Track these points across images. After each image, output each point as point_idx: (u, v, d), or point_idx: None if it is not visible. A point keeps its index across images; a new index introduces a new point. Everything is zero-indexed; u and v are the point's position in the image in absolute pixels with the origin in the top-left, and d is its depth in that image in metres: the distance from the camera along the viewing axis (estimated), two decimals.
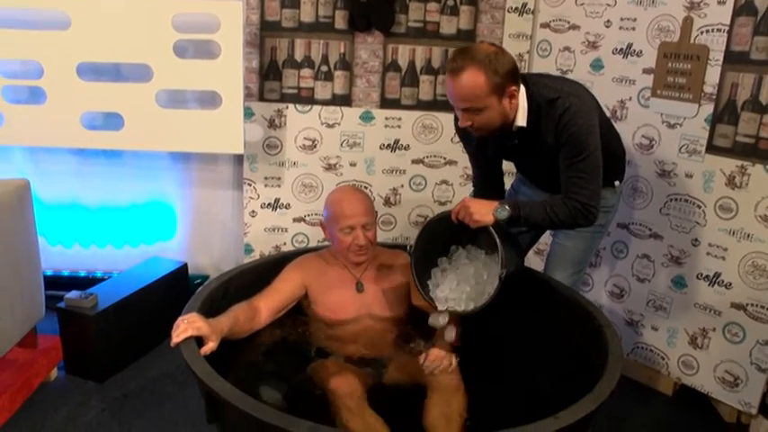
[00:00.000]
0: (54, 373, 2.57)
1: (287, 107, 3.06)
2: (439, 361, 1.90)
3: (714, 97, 2.35)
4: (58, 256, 3.27)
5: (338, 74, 3.04)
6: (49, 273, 3.14)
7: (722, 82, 2.32)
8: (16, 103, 2.79)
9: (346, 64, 3.03)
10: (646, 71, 2.55)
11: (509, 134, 2.04)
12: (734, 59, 2.28)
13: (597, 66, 2.73)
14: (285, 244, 3.24)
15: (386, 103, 3.09)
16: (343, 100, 3.08)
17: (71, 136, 2.79)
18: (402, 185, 3.21)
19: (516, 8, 2.99)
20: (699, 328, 2.52)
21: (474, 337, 2.06)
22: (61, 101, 2.72)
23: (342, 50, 3.01)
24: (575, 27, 2.80)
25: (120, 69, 2.89)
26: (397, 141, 3.14)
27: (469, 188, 3.16)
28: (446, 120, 3.07)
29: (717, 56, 2.32)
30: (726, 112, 2.33)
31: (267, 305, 2.10)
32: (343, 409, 1.73)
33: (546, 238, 2.57)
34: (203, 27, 2.70)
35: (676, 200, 2.52)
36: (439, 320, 1.95)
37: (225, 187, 3.28)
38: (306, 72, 3.03)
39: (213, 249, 3.36)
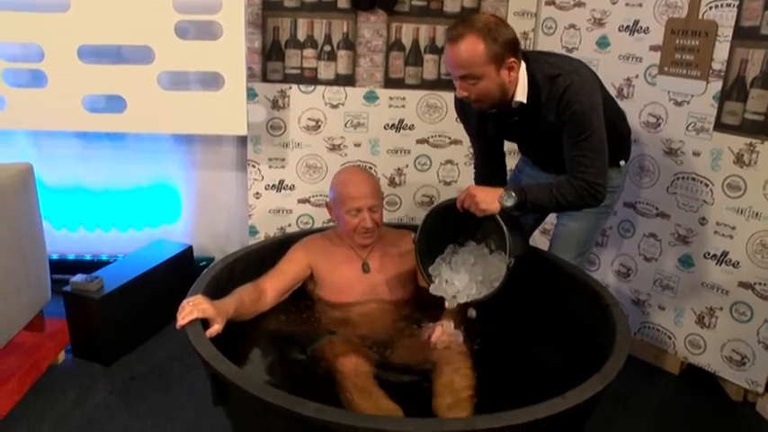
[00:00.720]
0: (61, 356, 2.58)
1: (290, 88, 3.04)
2: (446, 336, 1.90)
3: (722, 74, 2.31)
4: (63, 239, 3.28)
5: (341, 53, 3.01)
6: (54, 257, 3.15)
7: (731, 58, 2.29)
8: (17, 87, 2.77)
9: (349, 43, 3.00)
10: (653, 48, 2.52)
11: (509, 111, 2.02)
12: (743, 35, 2.24)
13: (603, 43, 2.70)
14: (290, 225, 3.23)
15: (390, 82, 3.07)
16: (347, 80, 3.05)
17: (73, 119, 2.77)
18: (407, 165, 3.19)
19: None
20: (706, 308, 2.51)
21: (481, 317, 2.06)
22: (62, 84, 2.70)
23: (345, 30, 2.98)
24: (580, 4, 2.76)
25: (121, 51, 2.87)
26: (401, 121, 3.12)
27: None
28: (450, 99, 3.00)
29: (726, 32, 2.28)
30: (734, 89, 2.29)
31: (272, 286, 2.10)
32: (350, 388, 1.73)
33: (551, 217, 2.55)
34: (205, 7, 2.67)
35: (683, 178, 2.50)
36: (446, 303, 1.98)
37: (229, 169, 3.26)
38: (309, 52, 3.01)
39: (218, 231, 3.36)
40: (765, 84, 2.21)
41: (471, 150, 3.10)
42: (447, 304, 1.98)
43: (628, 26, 2.60)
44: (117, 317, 2.59)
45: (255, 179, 3.15)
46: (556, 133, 1.99)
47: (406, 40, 3.02)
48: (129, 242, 3.26)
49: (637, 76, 2.59)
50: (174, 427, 2.22)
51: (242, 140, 3.16)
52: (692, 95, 2.42)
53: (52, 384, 2.43)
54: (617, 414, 2.34)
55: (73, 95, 2.73)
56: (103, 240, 3.32)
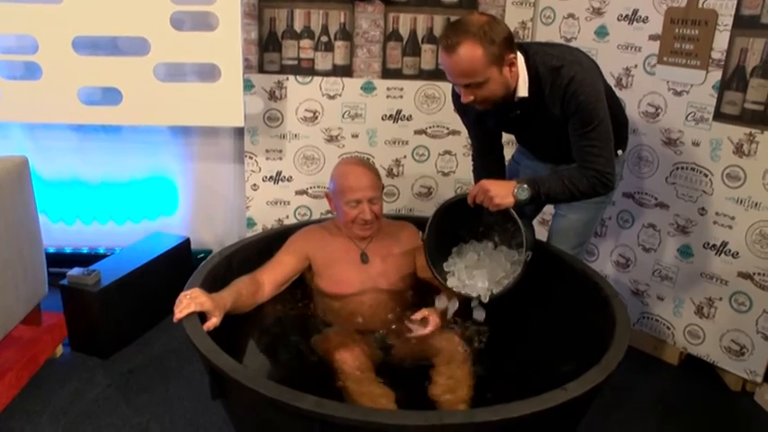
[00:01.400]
0: (59, 349, 2.58)
1: (287, 79, 3.02)
2: (425, 320, 1.94)
3: (722, 63, 2.30)
4: (60, 233, 3.26)
5: (338, 44, 2.99)
6: (51, 250, 3.14)
7: (731, 47, 2.27)
8: (12, 79, 2.75)
9: (347, 34, 2.98)
10: (652, 38, 2.50)
11: (510, 105, 2.00)
12: (744, 24, 2.23)
13: (602, 33, 2.68)
14: (288, 217, 3.22)
15: (387, 73, 3.05)
16: (344, 71, 3.03)
17: (69, 111, 2.75)
18: (405, 156, 3.18)
19: None
20: (705, 298, 2.51)
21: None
22: (57, 76, 2.68)
23: (342, 20, 2.96)
24: None
25: (116, 43, 2.84)
26: (399, 112, 3.10)
27: None
28: (448, 89, 2.98)
29: (726, 20, 2.27)
30: (734, 79, 2.28)
31: (270, 278, 2.10)
32: (349, 381, 1.73)
33: (549, 208, 2.54)
34: None
35: (683, 168, 2.49)
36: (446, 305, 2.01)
37: (226, 161, 3.25)
38: (306, 43, 2.99)
39: (215, 224, 3.35)
40: (765, 73, 2.20)
41: (469, 141, 3.10)
42: (472, 304, 2.00)
43: (627, 15, 2.58)
44: (114, 310, 2.58)
45: (253, 171, 3.13)
46: (558, 125, 1.98)
47: (404, 31, 3.00)
48: (126, 235, 3.24)
49: (636, 66, 2.57)
50: (172, 420, 2.22)
51: (239, 132, 3.14)
52: (692, 85, 2.40)
53: (50, 378, 2.42)
54: (616, 404, 2.34)
55: (68, 87, 2.70)
56: (100, 233, 3.30)
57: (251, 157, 3.11)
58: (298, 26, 2.96)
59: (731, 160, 2.34)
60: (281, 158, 3.12)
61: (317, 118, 3.08)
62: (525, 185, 1.90)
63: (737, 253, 2.38)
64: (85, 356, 2.57)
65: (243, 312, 1.98)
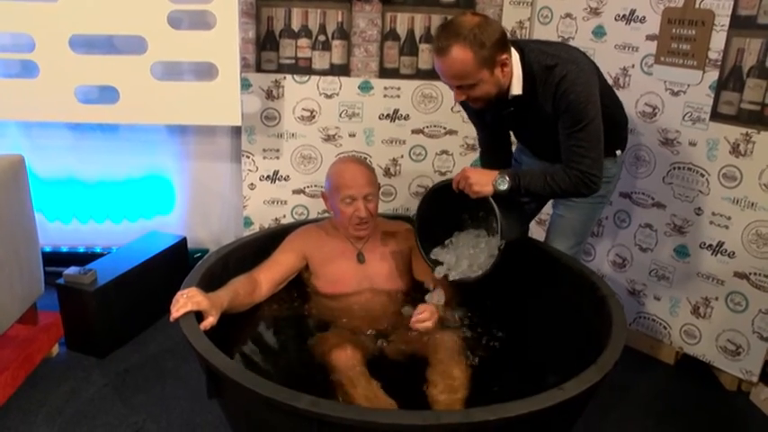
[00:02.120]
0: (55, 349, 2.57)
1: (284, 78, 3.01)
2: (425, 315, 1.92)
3: (719, 64, 2.31)
4: (57, 232, 3.25)
5: (336, 43, 2.99)
6: (47, 249, 3.13)
7: (728, 48, 2.27)
8: (8, 78, 2.74)
9: (344, 33, 2.98)
10: (649, 37, 2.50)
11: (505, 102, 2.01)
12: (740, 24, 2.23)
13: (599, 33, 2.68)
14: (285, 216, 3.22)
15: (385, 72, 3.05)
16: (342, 70, 3.03)
17: (65, 110, 2.74)
18: (402, 156, 3.18)
19: None
20: (701, 298, 2.51)
21: (477, 309, 2.06)
22: (54, 74, 2.67)
23: (339, 19, 2.96)
24: None
25: (113, 42, 2.84)
26: (396, 111, 3.10)
27: (470, 157, 3.15)
28: (446, 89, 3.01)
29: (722, 21, 2.27)
30: (731, 79, 2.28)
31: (267, 277, 2.09)
32: (344, 381, 1.73)
33: (548, 208, 2.55)
34: None
35: (679, 168, 2.49)
36: (434, 298, 2.01)
37: (223, 160, 3.24)
38: (303, 42, 2.98)
39: (212, 223, 3.34)
40: (762, 73, 2.20)
41: (467, 140, 3.13)
42: (435, 273, 2.04)
43: (624, 15, 2.58)
44: (111, 309, 2.57)
45: (250, 170, 3.13)
46: (552, 123, 1.98)
47: (401, 30, 2.99)
48: (122, 234, 3.23)
49: (633, 66, 2.57)
50: (168, 419, 2.22)
51: (236, 131, 3.14)
52: (689, 85, 2.41)
53: (46, 377, 2.42)
54: (612, 404, 2.34)
55: (65, 86, 2.69)
56: (97, 232, 3.30)
57: (248, 157, 3.11)
58: (295, 25, 2.96)
59: (728, 160, 2.34)
60: (278, 158, 3.12)
61: (314, 117, 3.08)
62: (506, 177, 1.93)
63: (734, 253, 2.38)
64: (82, 356, 2.56)
65: (240, 312, 1.98)
